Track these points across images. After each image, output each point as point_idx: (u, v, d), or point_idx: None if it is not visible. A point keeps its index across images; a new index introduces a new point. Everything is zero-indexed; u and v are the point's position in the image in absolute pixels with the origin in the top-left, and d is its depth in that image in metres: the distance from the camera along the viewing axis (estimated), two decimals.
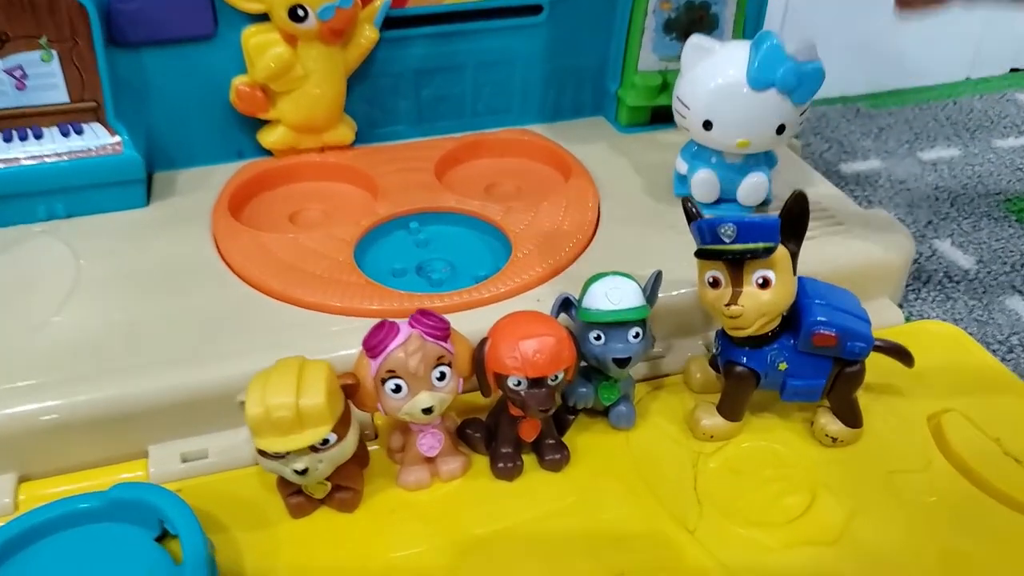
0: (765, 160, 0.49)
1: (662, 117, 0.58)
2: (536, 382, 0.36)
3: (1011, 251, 0.56)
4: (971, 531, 0.37)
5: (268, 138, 0.53)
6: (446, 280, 0.47)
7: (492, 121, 0.58)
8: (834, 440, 0.41)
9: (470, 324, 0.39)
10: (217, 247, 0.47)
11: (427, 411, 0.35)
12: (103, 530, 0.36)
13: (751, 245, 0.35)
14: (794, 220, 0.36)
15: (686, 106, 0.47)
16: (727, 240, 0.35)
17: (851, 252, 0.48)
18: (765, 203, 0.50)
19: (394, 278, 0.46)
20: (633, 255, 0.46)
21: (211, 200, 0.51)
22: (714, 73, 0.45)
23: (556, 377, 0.36)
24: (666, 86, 0.57)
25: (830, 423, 0.41)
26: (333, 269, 0.45)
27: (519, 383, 0.36)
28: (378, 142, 0.56)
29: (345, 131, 0.54)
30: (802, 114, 0.46)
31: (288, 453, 0.33)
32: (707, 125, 0.46)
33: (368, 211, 0.50)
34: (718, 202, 0.49)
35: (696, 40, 0.46)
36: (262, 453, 0.34)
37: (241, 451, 0.40)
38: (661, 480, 0.39)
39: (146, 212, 0.51)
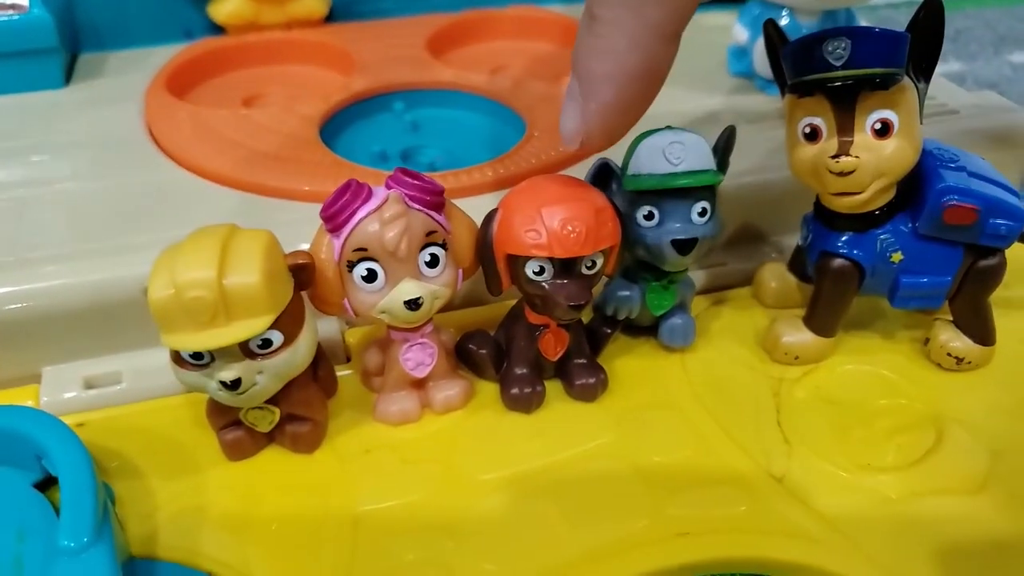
0: (846, 21, 0.39)
1: None
2: (566, 266, 0.26)
3: None
4: None
5: (221, 10, 0.43)
6: (441, 166, 0.36)
7: None
8: (959, 361, 0.30)
9: (472, 212, 0.29)
10: (148, 127, 0.37)
11: (413, 305, 0.25)
12: None
13: (871, 69, 0.25)
14: (926, 36, 0.26)
15: None
16: (837, 63, 0.25)
17: (969, 132, 0.37)
18: None
19: (375, 164, 0.36)
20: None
21: (146, 81, 0.41)
22: None
23: (594, 263, 0.26)
24: None
25: (953, 338, 0.30)
26: (293, 147, 0.35)
27: (542, 270, 0.26)
28: (357, 19, 0.46)
29: (315, 3, 0.44)
30: None
31: (211, 356, 0.24)
32: None
33: (338, 87, 0.40)
34: None
35: None
36: (177, 361, 0.24)
37: (164, 375, 0.29)
38: (732, 413, 0.29)
39: (62, 92, 0.40)
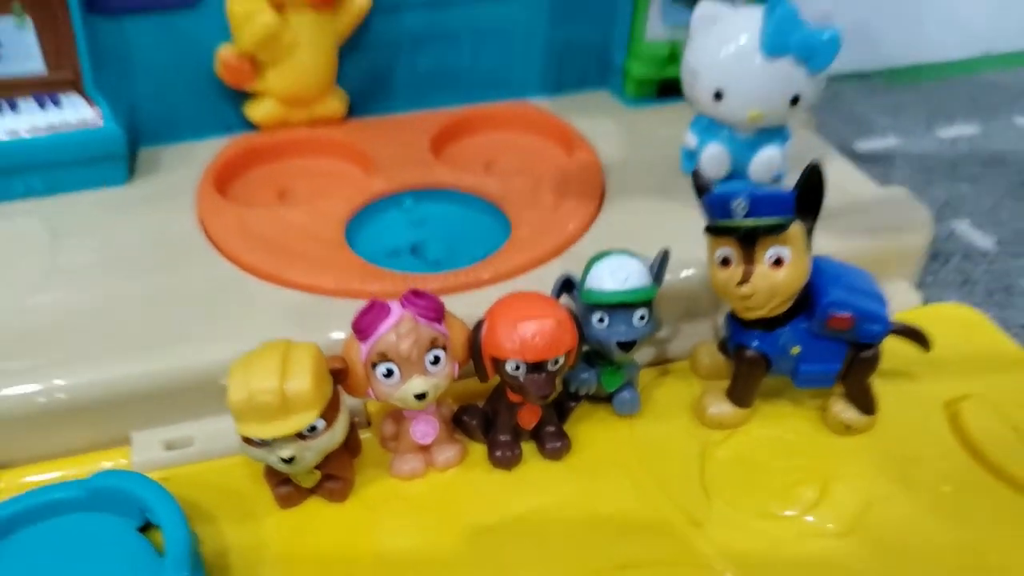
0: (778, 135, 0.46)
1: (670, 90, 0.56)
2: (535, 367, 0.34)
3: None
4: (988, 521, 0.35)
5: (256, 112, 0.51)
6: (443, 261, 0.44)
7: (491, 93, 0.56)
8: (848, 427, 0.39)
9: (468, 307, 0.37)
10: (202, 225, 0.45)
11: (420, 397, 0.33)
12: (84, 520, 0.34)
13: (764, 220, 0.33)
14: (810, 194, 0.34)
15: (695, 75, 0.44)
16: (739, 215, 0.33)
17: (867, 232, 0.45)
18: (777, 179, 0.47)
19: (388, 258, 0.44)
20: (638, 234, 0.43)
21: (196, 177, 0.49)
22: (725, 40, 0.42)
23: (556, 361, 0.34)
24: (675, 57, 0.54)
25: (844, 410, 0.39)
26: (323, 248, 0.43)
27: (517, 368, 0.34)
28: (371, 115, 0.54)
29: (336, 104, 0.52)
30: (817, 85, 0.43)
31: (273, 440, 0.32)
32: (718, 95, 0.43)
33: (360, 188, 0.48)
34: (729, 178, 0.47)
35: (706, 5, 0.44)
36: (247, 440, 0.32)
37: (228, 439, 0.38)
38: (667, 470, 0.37)
39: (128, 189, 0.48)
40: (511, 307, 0.34)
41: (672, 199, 0.47)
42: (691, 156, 0.49)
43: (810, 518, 0.35)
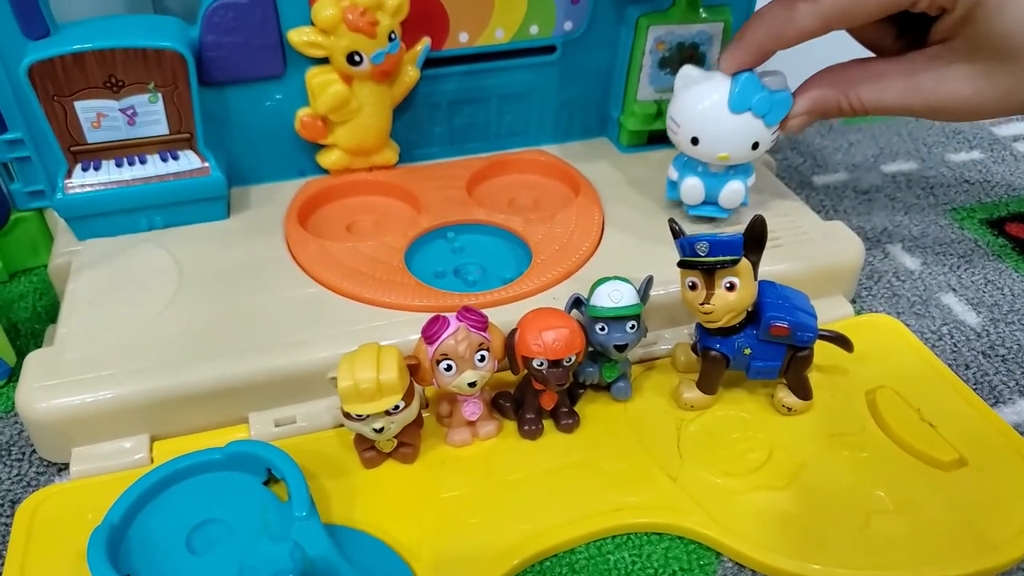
0: (743, 170, 0.58)
1: (657, 139, 0.68)
2: (555, 363, 0.46)
3: (951, 254, 0.66)
4: (894, 479, 0.47)
5: (326, 160, 0.64)
6: (479, 281, 0.57)
7: (512, 143, 0.68)
8: (789, 410, 0.51)
9: (500, 317, 0.49)
10: (291, 252, 0.58)
11: (471, 385, 0.46)
12: (222, 477, 0.46)
13: (720, 258, 0.45)
14: (754, 238, 0.46)
15: (677, 124, 0.56)
16: (702, 254, 0.46)
17: (810, 256, 0.58)
18: (742, 205, 0.59)
19: (436, 279, 0.57)
20: (631, 260, 0.56)
21: (281, 212, 0.61)
22: (701, 97, 0.54)
23: (570, 359, 0.47)
24: (660, 113, 0.67)
25: (786, 396, 0.51)
26: (388, 272, 0.55)
27: (541, 364, 0.46)
28: (417, 162, 0.67)
29: (390, 154, 0.65)
30: (773, 134, 0.55)
31: (368, 416, 0.44)
32: (694, 141, 0.55)
33: (412, 223, 0.60)
34: (703, 204, 0.59)
35: (687, 70, 0.56)
36: (347, 416, 0.45)
37: (322, 418, 0.51)
38: (652, 440, 0.50)
39: (228, 223, 0.61)
40: (536, 319, 0.47)
41: (658, 229, 0.59)
42: (673, 185, 0.60)
43: (758, 476, 0.48)
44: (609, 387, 0.52)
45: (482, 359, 0.46)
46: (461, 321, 0.46)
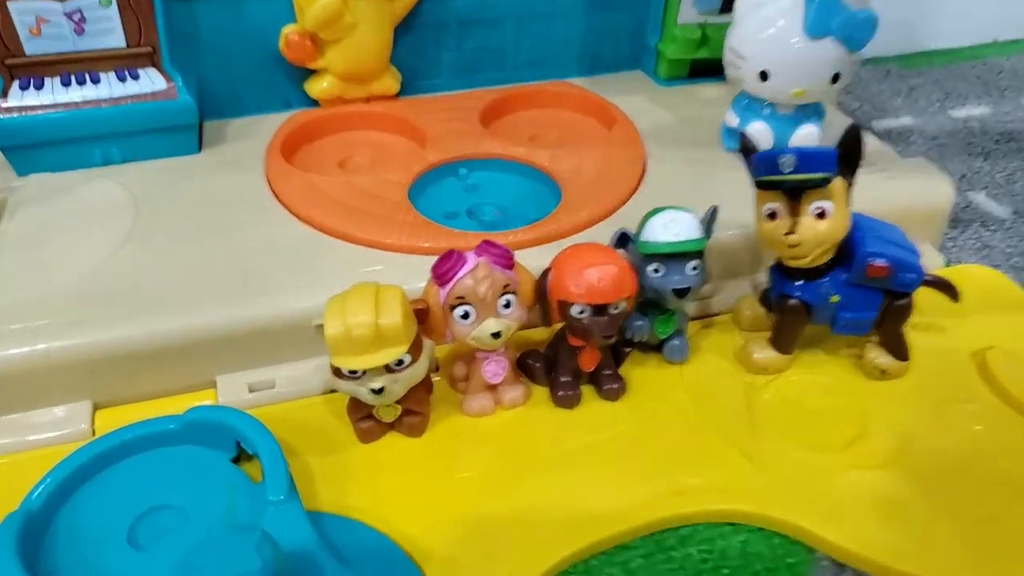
0: (815, 111, 0.49)
1: (701, 71, 0.59)
2: (599, 310, 0.37)
3: None
4: (1017, 454, 0.38)
5: (316, 88, 0.54)
6: (499, 222, 0.47)
7: (531, 74, 0.59)
8: (883, 372, 0.42)
9: (528, 262, 0.40)
10: (271, 187, 0.48)
11: (496, 335, 0.36)
12: (180, 453, 0.37)
13: (810, 175, 0.36)
14: (849, 152, 0.37)
15: (741, 56, 0.47)
16: (786, 170, 0.36)
17: (895, 195, 0.48)
18: None
19: (446, 220, 0.47)
20: (680, 200, 0.46)
21: (262, 147, 0.52)
22: (770, 23, 0.46)
23: (617, 306, 0.37)
24: (706, 40, 0.57)
25: (879, 356, 0.42)
26: (388, 209, 0.46)
27: (583, 311, 0.37)
28: (421, 93, 0.57)
29: (390, 81, 0.55)
30: (855, 63, 0.46)
31: (365, 372, 0.35)
32: (763, 75, 0.46)
33: (417, 158, 0.51)
34: None
35: None
36: (338, 373, 0.35)
37: (308, 381, 0.41)
38: (716, 410, 0.40)
39: (199, 158, 0.51)
40: (576, 256, 0.37)
41: (710, 169, 0.50)
42: (733, 133, 0.51)
43: (850, 452, 0.38)
44: (661, 346, 0.42)
45: (507, 305, 0.37)
46: (481, 256, 0.37)
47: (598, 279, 0.36)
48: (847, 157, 0.37)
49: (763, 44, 0.46)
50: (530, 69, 0.59)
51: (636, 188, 0.49)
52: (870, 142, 0.54)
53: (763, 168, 0.38)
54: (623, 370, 0.41)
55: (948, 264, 0.51)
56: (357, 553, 0.33)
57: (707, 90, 0.59)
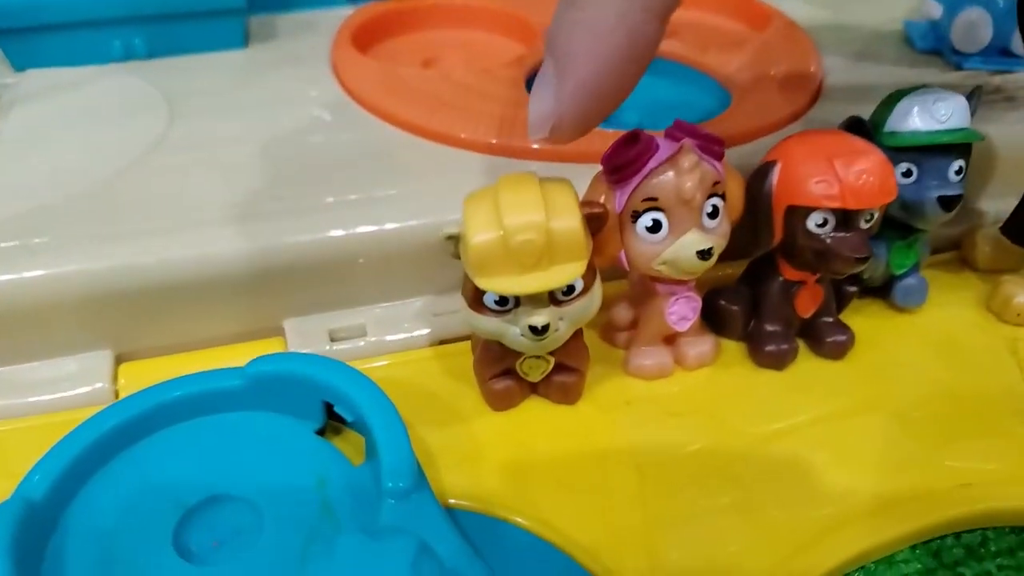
0: None
1: None
2: (848, 220, 0.26)
3: None
4: None
5: None
6: (644, 125, 0.36)
7: None
8: None
9: None
10: (342, 83, 0.37)
11: (705, 255, 0.25)
12: (244, 421, 0.26)
13: None
14: None
15: None
16: None
17: None
18: None
19: None
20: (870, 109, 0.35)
21: (326, 43, 0.40)
22: None
23: (871, 216, 0.26)
24: None
25: None
26: (504, 104, 0.34)
27: (824, 222, 0.26)
28: None
29: None
30: None
31: (517, 303, 0.24)
32: None
33: (526, 53, 0.40)
34: (986, 52, 0.38)
35: None
36: (478, 305, 0.24)
37: (412, 327, 0.30)
38: (976, 372, 0.29)
39: (246, 53, 0.40)
40: (817, 144, 0.26)
41: (902, 74, 0.39)
42: (931, 28, 0.40)
43: None
44: (888, 288, 0.31)
45: (714, 213, 0.26)
46: (685, 140, 0.26)
47: (857, 175, 0.25)
48: None
49: None
50: None
51: (818, 94, 0.38)
52: None
53: None
54: (844, 317, 0.31)
55: None
56: (515, 567, 0.22)
57: None
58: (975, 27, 0.38)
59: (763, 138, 0.34)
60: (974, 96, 0.29)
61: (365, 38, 0.41)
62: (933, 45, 0.41)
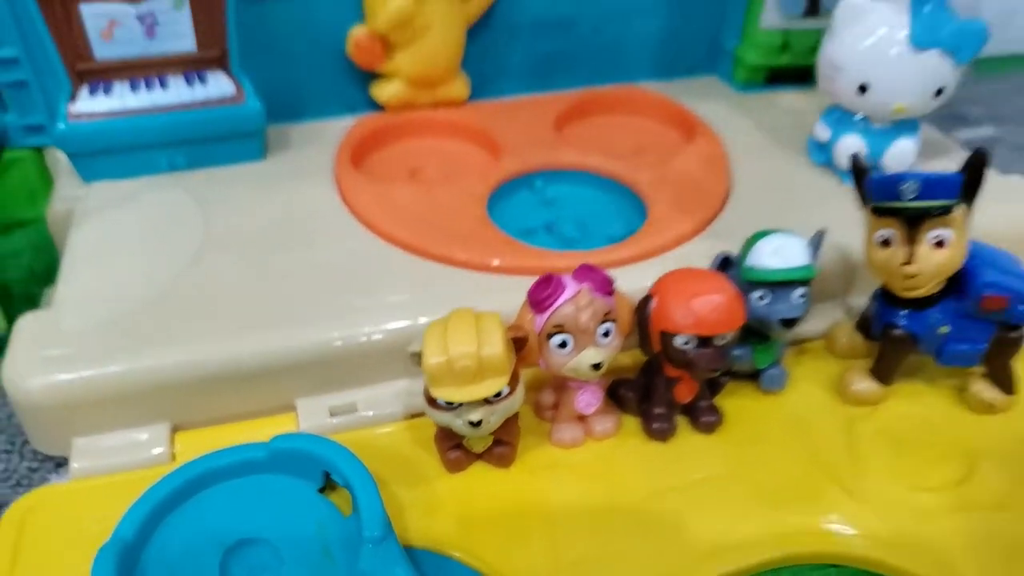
0: (910, 125, 0.47)
1: (780, 78, 0.57)
2: (705, 341, 0.35)
3: None
4: None
5: (383, 92, 0.52)
6: (579, 239, 0.46)
7: (604, 77, 0.57)
8: (991, 407, 0.40)
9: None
10: (344, 199, 0.47)
11: (596, 367, 0.35)
12: (265, 482, 0.36)
13: (933, 202, 0.34)
14: (974, 177, 0.35)
15: (837, 68, 0.45)
16: (909, 197, 0.34)
17: (999, 217, 0.46)
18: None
19: (524, 236, 0.45)
20: (769, 215, 0.44)
21: (329, 154, 0.50)
22: (872, 33, 0.43)
23: (724, 337, 0.36)
24: (787, 46, 0.55)
25: (985, 389, 0.40)
26: (470, 224, 0.44)
27: (688, 342, 0.35)
28: (490, 97, 0.55)
29: (461, 86, 0.53)
30: (959, 76, 0.44)
31: (463, 404, 0.33)
32: (862, 88, 0.44)
33: (491, 168, 0.49)
34: None
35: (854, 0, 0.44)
36: (433, 404, 0.34)
37: (390, 405, 0.40)
38: (816, 444, 0.39)
39: (265, 165, 0.50)
40: (682, 282, 0.36)
41: (799, 182, 0.48)
42: (822, 148, 0.49)
43: (961, 493, 0.37)
44: (757, 375, 0.40)
45: (607, 334, 0.35)
46: (583, 282, 0.35)
47: (709, 310, 0.34)
48: (972, 182, 0.35)
49: (863, 55, 0.44)
50: (602, 73, 0.57)
51: (725, 202, 0.47)
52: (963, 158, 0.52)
53: (881, 193, 0.36)
54: (718, 400, 0.40)
55: None
56: None
57: (787, 98, 0.56)
58: (852, 151, 0.47)
59: (670, 251, 0.44)
60: (818, 238, 0.38)
61: (362, 150, 0.51)
62: (824, 161, 0.50)
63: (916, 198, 0.34)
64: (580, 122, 0.55)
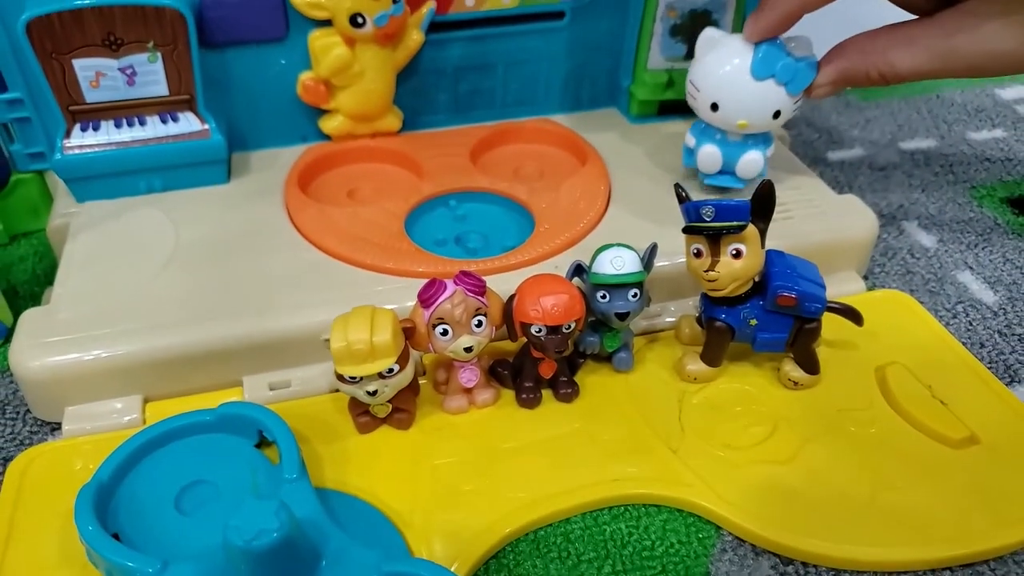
0: (762, 140, 0.56)
1: (668, 109, 0.67)
2: (553, 330, 0.45)
3: (968, 232, 0.64)
4: (902, 456, 0.46)
5: (328, 125, 0.63)
6: (480, 249, 0.56)
7: (519, 111, 0.67)
8: (795, 384, 0.49)
9: (500, 285, 0.48)
10: (290, 217, 0.57)
11: (468, 350, 0.45)
12: (213, 439, 0.46)
13: (726, 223, 0.44)
14: (762, 204, 0.45)
15: (697, 88, 0.55)
16: (708, 219, 0.44)
17: (822, 230, 0.56)
18: (759, 176, 0.57)
19: (437, 247, 0.56)
20: (637, 230, 0.54)
21: (282, 178, 0.60)
22: (723, 62, 0.53)
23: (569, 326, 0.45)
24: (672, 83, 0.65)
25: (793, 370, 0.50)
26: (387, 238, 0.54)
27: (540, 330, 0.45)
28: (421, 129, 0.65)
29: (393, 120, 0.63)
30: (796, 103, 0.54)
31: (362, 378, 0.43)
32: (714, 107, 0.54)
33: (414, 190, 0.59)
34: (719, 173, 0.57)
35: (710, 32, 0.54)
36: (340, 378, 0.44)
37: (317, 382, 0.50)
38: (652, 412, 0.49)
39: (228, 187, 0.60)
40: (535, 285, 0.46)
41: (666, 201, 0.58)
42: (690, 153, 0.59)
43: (760, 450, 0.46)
44: (610, 357, 0.50)
45: (479, 324, 0.45)
46: (458, 285, 0.45)
47: (552, 306, 0.44)
48: (760, 207, 0.45)
49: (715, 79, 0.54)
50: (517, 107, 0.67)
51: (600, 220, 0.57)
52: (810, 179, 0.61)
53: (690, 216, 0.45)
54: (578, 378, 0.50)
55: (871, 289, 0.58)
56: (353, 522, 0.42)
57: (672, 126, 0.66)
58: (709, 157, 0.57)
59: (553, 258, 0.54)
60: (650, 250, 0.47)
61: (309, 173, 0.61)
62: (691, 164, 0.59)
63: (714, 220, 0.44)
64: (494, 150, 0.65)
